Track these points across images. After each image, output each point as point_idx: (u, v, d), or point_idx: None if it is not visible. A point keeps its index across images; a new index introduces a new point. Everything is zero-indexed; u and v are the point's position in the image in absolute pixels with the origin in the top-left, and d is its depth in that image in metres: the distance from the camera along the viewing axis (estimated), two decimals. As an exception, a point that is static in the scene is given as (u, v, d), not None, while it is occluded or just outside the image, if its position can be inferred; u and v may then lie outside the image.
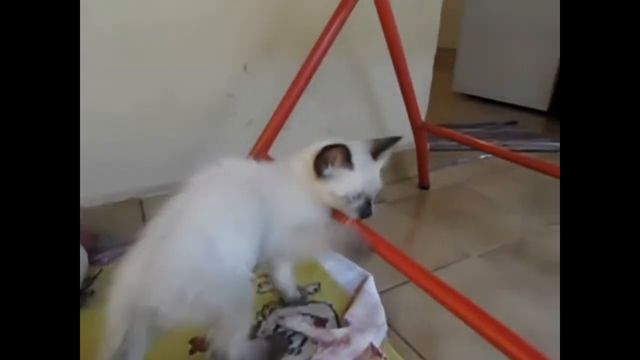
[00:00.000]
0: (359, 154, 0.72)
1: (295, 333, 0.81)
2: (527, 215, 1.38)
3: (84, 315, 0.60)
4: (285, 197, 0.72)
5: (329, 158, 0.69)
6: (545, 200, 1.48)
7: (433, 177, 1.53)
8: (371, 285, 0.94)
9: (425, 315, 0.89)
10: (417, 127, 1.37)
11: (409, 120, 1.35)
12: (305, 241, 0.73)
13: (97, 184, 1.03)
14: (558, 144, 1.96)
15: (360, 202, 0.72)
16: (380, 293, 0.92)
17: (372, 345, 0.76)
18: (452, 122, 2.13)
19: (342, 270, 1.00)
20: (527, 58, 2.44)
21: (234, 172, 0.71)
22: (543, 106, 2.46)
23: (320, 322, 0.84)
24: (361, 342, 0.76)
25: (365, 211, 0.73)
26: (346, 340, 0.77)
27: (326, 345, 0.77)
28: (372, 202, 0.74)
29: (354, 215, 0.73)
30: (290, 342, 0.79)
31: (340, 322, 0.85)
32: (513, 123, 2.35)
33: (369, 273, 0.97)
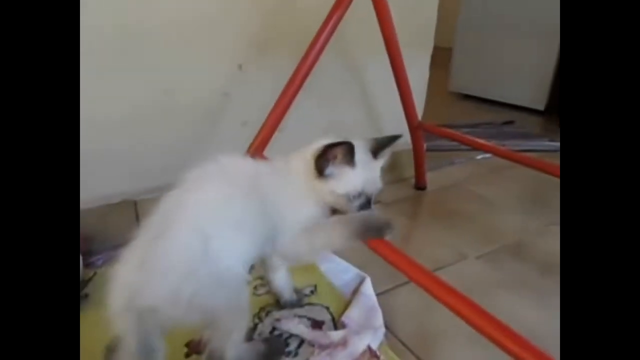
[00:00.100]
0: (360, 152, 0.71)
1: (292, 335, 0.80)
2: (526, 215, 1.37)
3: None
4: (286, 197, 0.70)
5: (332, 156, 0.68)
6: (544, 200, 1.48)
7: (430, 177, 1.52)
8: (368, 287, 0.93)
9: (423, 317, 0.88)
10: (414, 127, 1.36)
11: (405, 120, 1.34)
12: (321, 236, 0.70)
13: (90, 185, 1.01)
14: (556, 144, 1.96)
15: (360, 201, 0.72)
16: (378, 295, 0.91)
17: (369, 348, 0.75)
18: (449, 122, 2.12)
19: (338, 272, 0.99)
20: (523, 57, 2.45)
21: (232, 170, 0.70)
22: (540, 105, 2.47)
23: (317, 325, 0.83)
24: (358, 345, 0.76)
25: (365, 210, 0.72)
26: (343, 343, 0.76)
27: (323, 347, 0.76)
28: (372, 202, 0.74)
29: None
30: (287, 345, 0.78)
31: (337, 325, 0.84)
32: (510, 123, 2.34)
33: (366, 275, 0.96)
